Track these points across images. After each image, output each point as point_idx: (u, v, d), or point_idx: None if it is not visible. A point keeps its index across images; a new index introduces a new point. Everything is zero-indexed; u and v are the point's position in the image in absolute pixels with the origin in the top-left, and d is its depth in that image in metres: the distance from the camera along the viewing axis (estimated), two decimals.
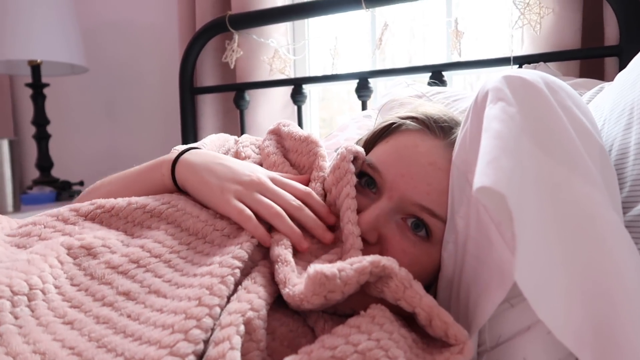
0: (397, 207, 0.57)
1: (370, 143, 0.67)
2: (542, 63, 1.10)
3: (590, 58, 1.09)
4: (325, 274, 0.43)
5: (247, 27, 1.47)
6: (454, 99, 0.97)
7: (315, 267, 0.44)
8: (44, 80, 1.82)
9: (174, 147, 0.72)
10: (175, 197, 0.59)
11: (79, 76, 1.95)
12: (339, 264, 0.45)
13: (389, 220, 0.56)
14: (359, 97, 1.34)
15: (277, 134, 0.73)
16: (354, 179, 0.58)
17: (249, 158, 0.72)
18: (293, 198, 0.57)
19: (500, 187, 0.38)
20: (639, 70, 0.59)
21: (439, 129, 0.61)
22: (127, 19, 1.96)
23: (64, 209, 0.59)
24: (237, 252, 0.49)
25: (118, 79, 2.00)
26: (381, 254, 0.55)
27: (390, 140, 0.63)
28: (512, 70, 0.54)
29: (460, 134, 0.56)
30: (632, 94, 0.58)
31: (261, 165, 0.69)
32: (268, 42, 1.49)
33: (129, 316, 0.43)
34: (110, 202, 0.59)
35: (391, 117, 0.67)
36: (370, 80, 1.33)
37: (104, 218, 0.58)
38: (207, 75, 1.60)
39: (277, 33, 1.51)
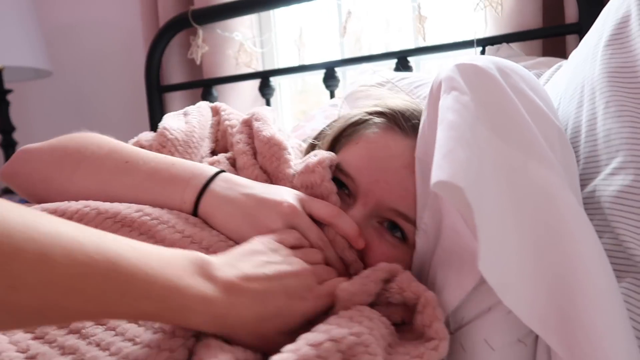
0: (373, 212, 0.56)
1: (337, 140, 0.64)
2: (504, 44, 1.10)
3: (552, 37, 1.10)
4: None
5: (211, 22, 1.45)
6: (417, 84, 0.96)
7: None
8: (7, 86, 1.77)
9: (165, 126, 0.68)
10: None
11: (43, 80, 1.91)
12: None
13: (366, 225, 0.56)
14: (327, 87, 1.33)
15: (249, 127, 0.69)
16: (338, 201, 0.57)
17: (232, 128, 0.71)
18: (321, 235, 0.54)
19: (457, 179, 0.38)
20: (587, 48, 0.60)
21: (410, 128, 0.59)
22: (89, 19, 1.92)
23: None
24: None
25: (83, 81, 1.96)
26: (362, 258, 0.56)
27: (360, 141, 0.60)
28: (465, 57, 0.53)
29: (420, 125, 0.56)
30: (583, 72, 0.58)
31: (234, 161, 0.66)
32: (233, 35, 1.47)
33: (98, 345, 0.40)
34: (72, 207, 0.53)
35: (359, 112, 0.64)
36: (338, 69, 1.33)
37: None
38: (173, 72, 1.57)
39: (242, 26, 1.50)
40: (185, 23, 1.46)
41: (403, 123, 0.59)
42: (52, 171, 0.58)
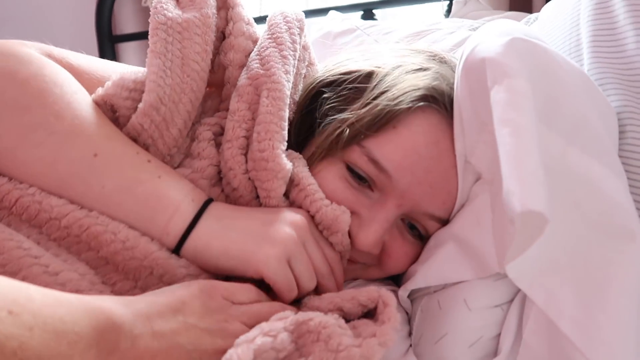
0: (405, 214, 0.51)
1: (346, 101, 0.52)
2: None
3: None
4: None
5: None
6: (386, 31, 0.94)
7: None
8: None
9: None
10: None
11: None
12: None
13: (392, 225, 0.51)
14: None
15: (255, 90, 0.51)
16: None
17: (234, 66, 0.53)
18: (324, 262, 0.48)
19: (540, 207, 0.35)
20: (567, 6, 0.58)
21: (450, 105, 0.50)
22: None
23: None
24: None
25: (28, 30, 1.81)
26: (381, 259, 0.53)
27: (399, 126, 0.49)
28: (504, 26, 0.48)
29: (455, 110, 0.49)
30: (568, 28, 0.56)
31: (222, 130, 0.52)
32: None
33: None
34: (10, 196, 0.43)
35: (390, 78, 0.51)
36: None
37: (4, 217, 0.43)
38: (127, 22, 1.48)
39: None
40: None
41: (449, 104, 0.50)
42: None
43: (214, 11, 0.53)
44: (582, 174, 0.43)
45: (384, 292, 0.43)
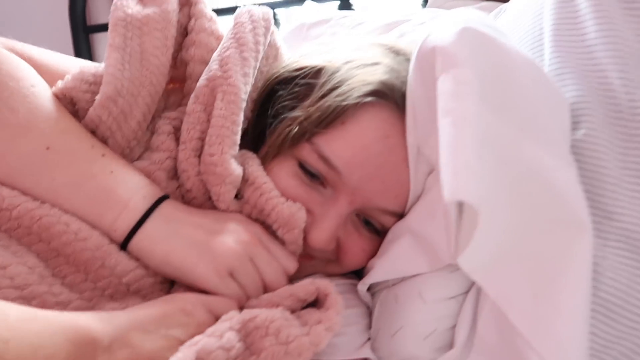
0: (358, 210, 0.51)
1: (292, 95, 0.52)
2: None
3: None
4: None
5: None
6: (358, 22, 0.93)
7: None
8: None
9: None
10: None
11: None
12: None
13: (346, 221, 0.51)
14: None
15: (212, 92, 0.51)
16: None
17: (195, 63, 0.53)
18: (277, 272, 0.48)
19: (473, 197, 0.35)
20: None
21: (401, 100, 0.49)
22: None
23: None
24: None
25: (0, 20, 1.78)
26: (338, 256, 0.52)
27: (347, 121, 0.48)
28: (457, 16, 0.48)
29: (408, 99, 0.49)
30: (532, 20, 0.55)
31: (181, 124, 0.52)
32: None
33: None
34: None
35: (338, 72, 0.51)
36: (279, 10, 1.26)
37: None
38: (102, 11, 1.46)
39: None
40: None
41: (400, 99, 0.50)
42: None
43: (175, 7, 0.53)
44: (533, 164, 0.42)
45: (320, 282, 0.43)
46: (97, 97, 0.47)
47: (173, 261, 0.44)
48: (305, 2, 1.14)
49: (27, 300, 0.38)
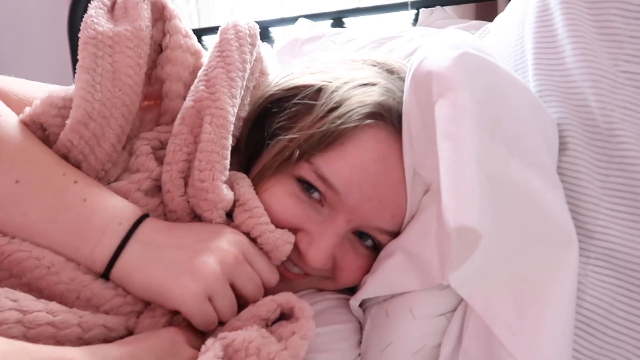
0: (355, 229, 0.52)
1: (290, 115, 0.52)
2: (438, 7, 1.09)
3: (484, 0, 1.10)
4: None
5: None
6: (349, 39, 0.96)
7: None
8: None
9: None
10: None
11: None
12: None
13: (343, 239, 0.52)
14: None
15: (198, 116, 0.50)
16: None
17: (175, 81, 0.53)
18: (257, 290, 0.48)
19: (479, 225, 0.36)
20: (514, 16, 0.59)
21: (397, 120, 0.51)
22: None
23: None
24: None
25: (1, 36, 1.79)
26: (334, 273, 0.53)
27: (346, 142, 0.49)
28: (450, 39, 0.49)
29: (404, 122, 0.50)
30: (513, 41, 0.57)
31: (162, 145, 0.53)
32: None
33: None
34: None
35: (336, 93, 0.51)
36: (274, 29, 1.28)
37: None
38: None
39: None
40: None
41: (396, 120, 0.51)
42: None
43: (148, 24, 0.52)
44: (522, 185, 0.44)
45: (280, 297, 0.44)
46: (68, 122, 0.46)
47: (151, 287, 0.44)
48: (299, 20, 1.16)
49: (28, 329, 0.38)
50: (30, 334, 0.37)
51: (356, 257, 0.53)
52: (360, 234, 0.53)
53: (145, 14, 0.51)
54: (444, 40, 0.50)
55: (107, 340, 0.41)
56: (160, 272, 0.44)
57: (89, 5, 0.51)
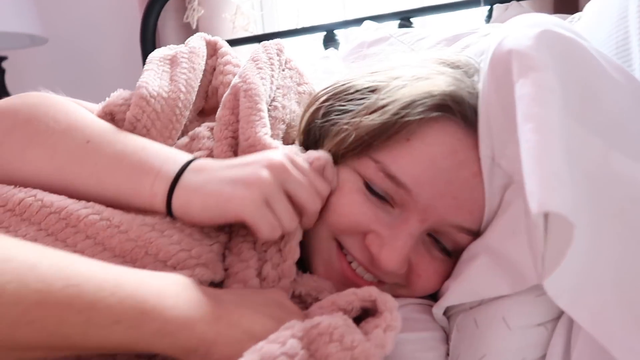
0: (431, 229, 0.49)
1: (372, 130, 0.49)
2: (514, 2, 1.04)
3: None
4: None
5: None
6: (419, 38, 0.93)
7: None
8: (1, 53, 1.73)
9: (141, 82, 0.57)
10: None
11: (39, 47, 1.86)
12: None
13: (418, 242, 0.49)
14: (326, 49, 1.28)
15: (235, 99, 0.56)
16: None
17: (225, 87, 0.61)
18: (309, 194, 0.48)
19: (565, 209, 0.32)
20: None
21: (472, 111, 0.48)
22: None
23: None
24: None
25: (79, 47, 1.91)
26: (409, 279, 0.51)
27: (412, 138, 0.48)
28: (532, 19, 0.45)
29: (480, 109, 0.47)
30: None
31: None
32: None
33: None
34: (16, 196, 0.46)
35: (398, 91, 0.49)
36: (339, 32, 1.27)
37: (5, 220, 0.46)
38: (169, 38, 1.52)
39: None
40: None
41: (468, 112, 0.48)
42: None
43: (204, 54, 0.64)
44: (627, 179, 0.39)
45: (361, 291, 0.43)
46: (132, 101, 0.54)
47: (211, 205, 0.45)
48: (365, 22, 1.15)
49: None
50: None
51: (433, 261, 0.50)
52: (436, 239, 0.50)
53: (202, 51, 0.64)
54: (524, 20, 0.46)
55: None
56: (217, 189, 0.45)
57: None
